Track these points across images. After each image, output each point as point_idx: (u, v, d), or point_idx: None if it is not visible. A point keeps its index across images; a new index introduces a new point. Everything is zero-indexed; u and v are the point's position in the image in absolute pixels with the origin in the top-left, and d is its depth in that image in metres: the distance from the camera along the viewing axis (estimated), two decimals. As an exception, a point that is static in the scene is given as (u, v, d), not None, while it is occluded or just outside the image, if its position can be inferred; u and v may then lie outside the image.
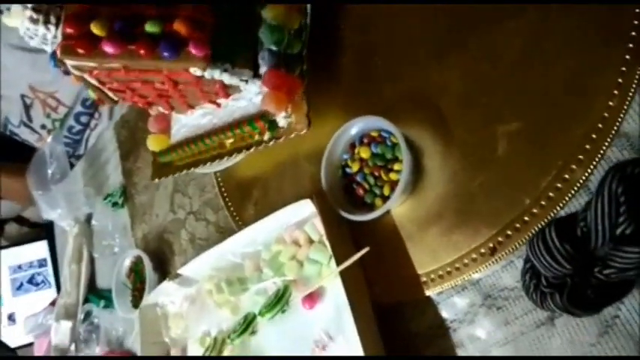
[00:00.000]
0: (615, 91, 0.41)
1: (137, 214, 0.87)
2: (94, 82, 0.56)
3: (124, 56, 0.50)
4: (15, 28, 0.60)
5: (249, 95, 0.57)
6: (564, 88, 0.44)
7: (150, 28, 0.49)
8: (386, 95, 0.56)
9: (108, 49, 0.49)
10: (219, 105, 0.61)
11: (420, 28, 0.54)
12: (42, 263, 1.55)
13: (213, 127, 0.62)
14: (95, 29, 0.49)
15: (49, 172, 0.98)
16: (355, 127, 0.54)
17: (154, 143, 0.66)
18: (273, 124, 0.57)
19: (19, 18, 0.57)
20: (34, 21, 0.57)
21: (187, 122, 0.65)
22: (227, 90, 0.57)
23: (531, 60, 0.46)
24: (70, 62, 0.52)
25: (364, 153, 0.54)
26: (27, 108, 1.38)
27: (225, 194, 0.72)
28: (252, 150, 0.60)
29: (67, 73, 0.57)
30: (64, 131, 1.41)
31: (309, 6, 0.58)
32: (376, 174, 0.53)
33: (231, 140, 0.61)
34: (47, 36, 0.57)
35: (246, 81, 0.54)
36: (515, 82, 0.46)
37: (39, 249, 1.55)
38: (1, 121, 1.40)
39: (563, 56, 0.44)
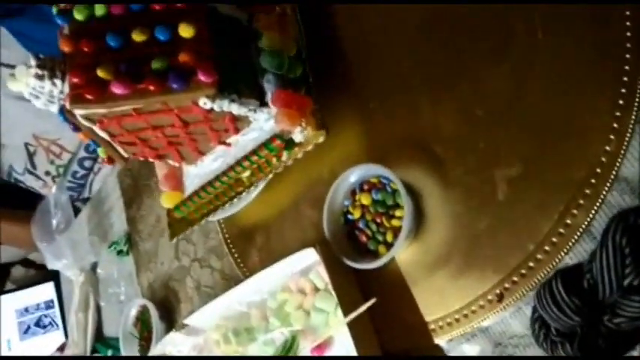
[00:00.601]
0: (611, 136, 0.41)
1: (142, 261, 0.87)
2: (103, 135, 0.56)
3: (134, 96, 0.50)
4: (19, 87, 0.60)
5: (259, 124, 0.57)
6: (559, 132, 0.44)
7: (156, 64, 0.50)
8: (381, 141, 0.57)
9: (117, 90, 0.49)
10: (229, 145, 0.61)
11: (410, 71, 0.55)
12: (49, 305, 1.54)
13: (227, 167, 0.62)
14: (102, 74, 0.50)
15: (54, 222, 0.98)
16: (354, 174, 0.55)
17: (167, 200, 0.65)
18: (290, 142, 0.57)
19: (23, 77, 0.58)
20: (40, 77, 0.57)
21: (199, 172, 0.65)
22: (236, 124, 0.57)
23: (523, 103, 0.46)
24: (79, 112, 0.52)
25: (365, 199, 0.54)
26: (31, 156, 1.40)
27: (228, 241, 0.72)
28: (270, 176, 0.60)
29: (76, 128, 0.57)
30: (67, 176, 1.42)
31: (302, 29, 0.61)
32: (378, 220, 0.53)
33: (247, 173, 0.61)
34: (54, 92, 0.57)
35: (255, 110, 0.55)
36: (508, 126, 0.47)
37: (45, 291, 1.54)
38: (6, 169, 1.42)
39: (555, 100, 0.45)
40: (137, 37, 0.51)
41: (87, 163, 1.40)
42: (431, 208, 0.51)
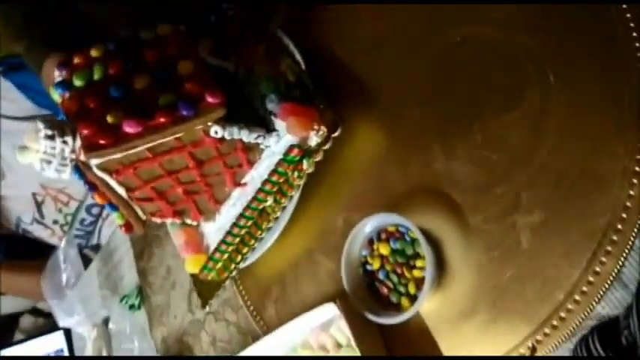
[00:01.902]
0: (634, 180, 0.40)
1: (155, 315, 0.86)
2: (120, 191, 0.56)
3: (147, 132, 0.49)
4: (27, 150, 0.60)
5: (271, 150, 0.57)
6: (579, 177, 0.43)
7: (164, 100, 0.50)
8: (395, 188, 0.56)
9: (129, 129, 0.49)
10: (244, 185, 0.60)
11: (420, 117, 0.55)
12: (58, 353, 1.51)
13: (247, 203, 0.61)
14: (112, 119, 0.50)
15: (64, 276, 0.97)
16: (370, 224, 0.54)
17: (192, 265, 0.64)
18: (308, 151, 0.57)
19: (33, 142, 0.57)
20: (50, 137, 0.56)
21: (219, 225, 0.63)
22: (248, 155, 0.57)
23: (539, 148, 0.46)
24: (95, 161, 0.51)
25: (384, 249, 0.53)
26: (39, 205, 1.39)
27: (243, 292, 0.70)
28: (297, 193, 0.59)
29: (92, 188, 0.56)
30: (75, 224, 1.42)
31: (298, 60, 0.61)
32: (399, 271, 0.52)
33: (270, 201, 0.60)
34: (65, 152, 0.56)
35: (264, 136, 0.55)
36: (526, 172, 0.46)
37: (55, 340, 1.51)
38: (14, 220, 1.41)
39: (571, 144, 0.44)
40: (139, 83, 0.53)
41: (95, 210, 1.40)
42: (453, 257, 0.50)
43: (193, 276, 0.67)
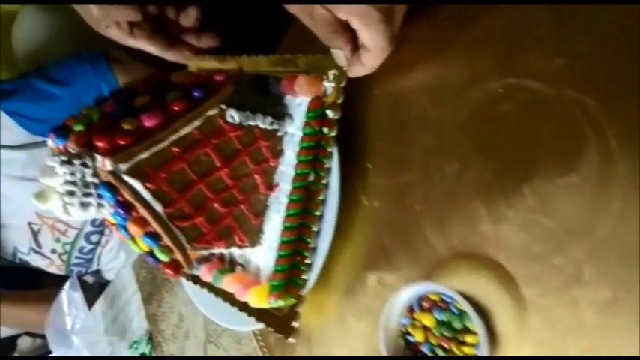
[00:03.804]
0: None
1: (169, 366, 0.81)
2: (158, 207, 0.51)
3: (166, 122, 0.50)
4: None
5: (290, 136, 0.57)
6: (650, 251, 0.39)
7: (172, 96, 0.52)
8: (435, 250, 0.51)
9: (149, 122, 0.49)
10: (277, 186, 0.59)
11: (460, 175, 0.51)
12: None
13: (288, 193, 0.57)
14: (127, 126, 0.50)
15: (69, 322, 0.92)
16: (408, 293, 0.50)
17: (257, 296, 0.57)
18: (325, 102, 0.55)
19: (48, 178, 0.52)
20: (68, 162, 0.51)
21: (268, 243, 0.59)
22: (270, 144, 0.57)
23: (601, 218, 0.42)
24: (123, 166, 0.49)
25: (427, 320, 0.49)
26: (35, 235, 1.35)
27: (265, 349, 0.67)
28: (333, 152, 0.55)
29: (126, 209, 0.51)
30: (74, 252, 1.38)
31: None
32: (446, 346, 0.48)
33: (312, 176, 0.56)
34: (87, 175, 0.52)
35: (278, 123, 0.56)
36: (588, 243, 0.42)
37: (53, 362, 1.48)
38: (10, 251, 1.37)
39: (639, 212, 0.40)
40: (140, 102, 0.53)
41: (94, 238, 1.36)
42: (506, 332, 0.46)
43: (260, 314, 0.60)
